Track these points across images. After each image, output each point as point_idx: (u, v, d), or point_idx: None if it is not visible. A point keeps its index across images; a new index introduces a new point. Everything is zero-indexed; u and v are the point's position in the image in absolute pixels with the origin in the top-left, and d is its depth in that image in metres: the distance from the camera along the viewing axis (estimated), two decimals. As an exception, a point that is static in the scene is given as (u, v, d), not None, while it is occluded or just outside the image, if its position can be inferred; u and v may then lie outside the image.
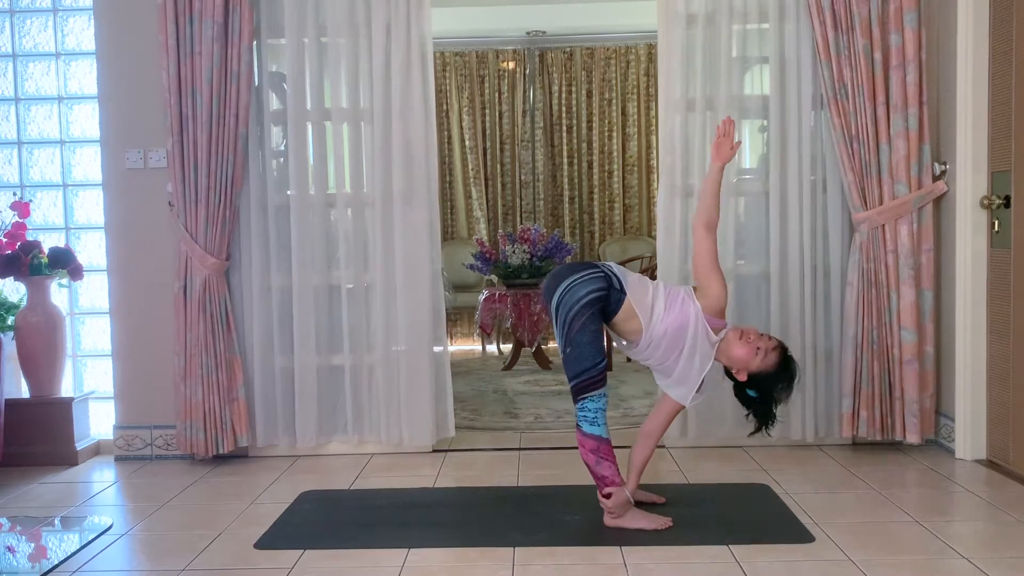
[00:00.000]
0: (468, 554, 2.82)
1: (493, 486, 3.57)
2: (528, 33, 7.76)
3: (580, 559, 2.75)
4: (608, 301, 2.96)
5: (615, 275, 3.00)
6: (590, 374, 2.92)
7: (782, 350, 3.01)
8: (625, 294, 2.96)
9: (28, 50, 4.27)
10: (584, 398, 2.94)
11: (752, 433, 3.06)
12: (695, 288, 3.05)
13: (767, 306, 4.00)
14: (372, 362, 4.06)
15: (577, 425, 2.97)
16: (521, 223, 7.80)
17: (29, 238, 4.04)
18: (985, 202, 3.70)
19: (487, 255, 6.17)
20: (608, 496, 2.97)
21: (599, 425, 2.94)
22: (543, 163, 7.95)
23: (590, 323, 2.92)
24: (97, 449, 4.22)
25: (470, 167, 8.00)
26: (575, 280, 2.95)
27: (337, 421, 4.10)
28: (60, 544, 3.09)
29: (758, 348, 2.95)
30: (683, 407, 3.07)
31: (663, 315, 2.95)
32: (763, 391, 2.99)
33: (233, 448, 3.97)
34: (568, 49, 7.94)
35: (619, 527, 2.97)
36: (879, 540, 2.86)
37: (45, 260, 4.03)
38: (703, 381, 3.00)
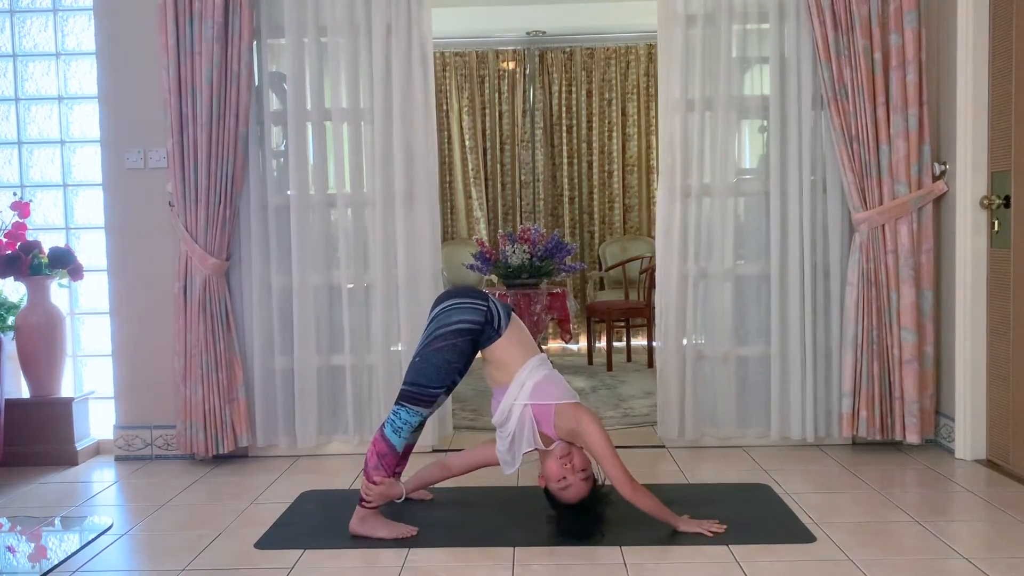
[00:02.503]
0: (468, 554, 2.82)
1: (493, 486, 3.57)
2: (528, 33, 7.75)
3: (580, 559, 2.75)
4: (480, 335, 2.99)
5: (498, 314, 3.00)
6: (422, 391, 2.96)
7: (592, 482, 2.90)
8: (499, 335, 2.98)
9: (28, 50, 4.27)
10: (403, 405, 2.97)
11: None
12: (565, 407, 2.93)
13: (767, 306, 4.00)
14: (372, 362, 4.06)
15: (382, 425, 3.00)
16: (521, 223, 7.80)
17: (29, 238, 4.05)
18: (985, 202, 3.70)
19: (487, 255, 6.16)
20: (376, 484, 2.95)
21: (400, 437, 2.97)
22: (543, 163, 7.95)
23: (449, 352, 2.95)
24: (97, 449, 4.22)
25: (470, 167, 7.99)
26: (458, 303, 2.99)
27: (337, 421, 4.10)
28: (60, 544, 3.09)
29: (564, 477, 2.86)
30: (497, 464, 3.06)
31: (521, 401, 2.93)
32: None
33: (233, 448, 3.97)
34: (568, 49, 7.94)
35: (363, 535, 2.95)
36: (879, 540, 2.86)
37: (45, 260, 4.03)
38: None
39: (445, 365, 2.96)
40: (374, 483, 2.97)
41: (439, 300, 3.08)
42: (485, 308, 2.99)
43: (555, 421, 2.91)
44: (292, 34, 3.97)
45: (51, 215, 4.29)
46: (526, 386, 2.94)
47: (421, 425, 3.03)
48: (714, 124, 3.98)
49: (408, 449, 3.05)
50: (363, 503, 2.98)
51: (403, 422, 2.97)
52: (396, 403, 3.00)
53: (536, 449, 2.96)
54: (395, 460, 2.99)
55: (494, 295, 3.12)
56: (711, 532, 2.89)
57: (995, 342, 3.70)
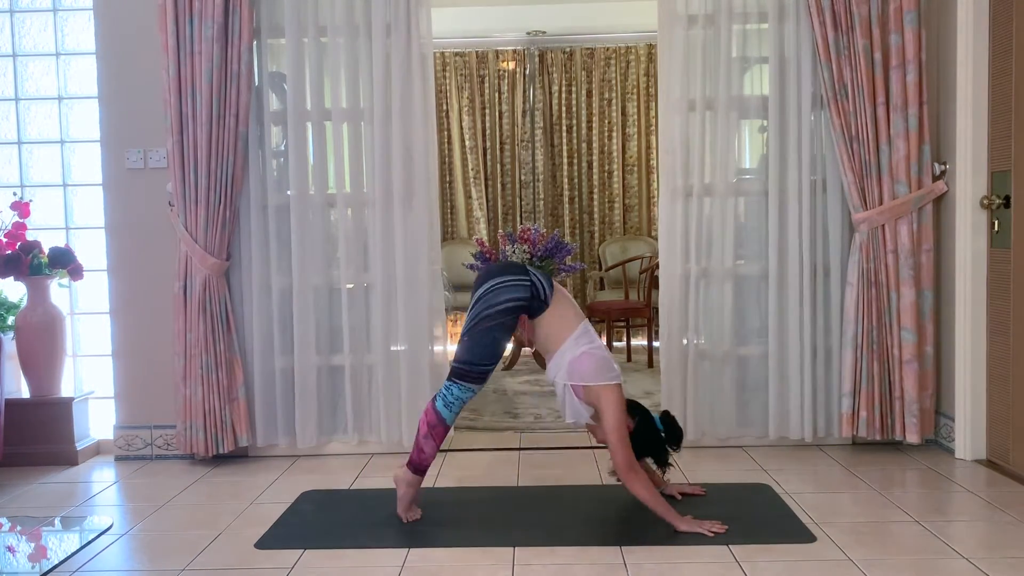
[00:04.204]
0: (468, 554, 2.82)
1: (493, 486, 3.57)
2: (528, 33, 7.75)
3: (580, 559, 2.75)
4: (528, 311, 3.08)
5: (542, 286, 3.07)
6: (472, 368, 3.04)
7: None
8: (548, 305, 3.08)
9: (28, 50, 4.27)
10: (455, 382, 3.06)
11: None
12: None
13: (766, 306, 4.00)
14: (372, 362, 4.06)
15: (434, 397, 3.10)
16: (521, 223, 7.80)
17: (29, 238, 4.05)
18: (985, 202, 3.70)
19: (487, 255, 6.15)
20: (414, 469, 3.11)
21: (451, 411, 3.07)
22: (543, 163, 7.95)
23: (497, 330, 3.04)
24: (97, 449, 4.22)
25: (470, 167, 7.99)
26: (503, 282, 3.05)
27: (337, 421, 4.10)
28: (60, 544, 3.09)
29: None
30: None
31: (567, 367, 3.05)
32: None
33: (233, 448, 3.97)
34: (568, 49, 7.94)
35: (397, 488, 3.14)
36: (879, 540, 2.86)
37: (45, 260, 4.03)
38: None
39: (493, 343, 3.04)
40: (410, 468, 3.10)
41: (481, 280, 3.13)
42: (529, 283, 3.06)
43: (585, 397, 3.03)
44: (292, 34, 3.97)
45: (51, 215, 4.29)
46: (563, 364, 3.04)
47: (468, 400, 3.11)
48: (714, 124, 3.98)
49: None
50: (412, 466, 3.09)
51: (455, 397, 3.06)
52: (448, 379, 3.09)
53: (587, 423, 3.11)
54: (445, 431, 3.09)
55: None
56: (712, 532, 2.89)
57: (995, 342, 3.70)
